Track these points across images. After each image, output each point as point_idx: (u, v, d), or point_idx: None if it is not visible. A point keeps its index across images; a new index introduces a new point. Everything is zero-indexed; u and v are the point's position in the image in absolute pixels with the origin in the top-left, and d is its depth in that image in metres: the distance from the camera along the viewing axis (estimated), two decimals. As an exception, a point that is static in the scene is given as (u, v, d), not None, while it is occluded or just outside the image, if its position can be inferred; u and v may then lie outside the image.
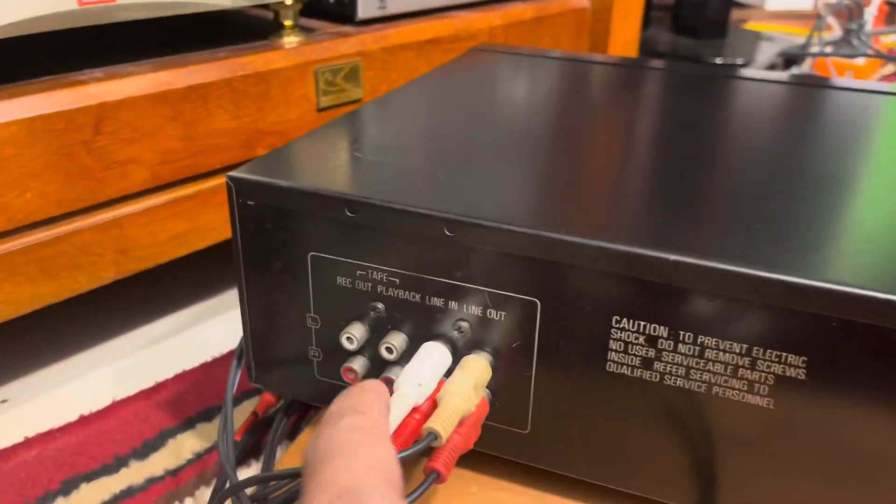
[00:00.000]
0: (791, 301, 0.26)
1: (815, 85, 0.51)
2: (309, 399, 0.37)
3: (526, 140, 0.39)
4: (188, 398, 0.46)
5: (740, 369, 0.28)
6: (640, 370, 0.30)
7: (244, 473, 0.40)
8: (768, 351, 0.27)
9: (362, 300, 0.33)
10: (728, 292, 0.27)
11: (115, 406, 0.45)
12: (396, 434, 0.29)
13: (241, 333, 0.38)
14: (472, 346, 0.32)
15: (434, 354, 0.31)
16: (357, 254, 0.32)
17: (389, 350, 0.33)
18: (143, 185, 0.43)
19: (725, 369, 0.28)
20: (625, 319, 0.29)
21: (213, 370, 0.49)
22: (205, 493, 0.39)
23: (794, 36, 1.21)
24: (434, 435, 0.28)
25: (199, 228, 0.46)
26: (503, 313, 0.31)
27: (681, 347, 0.29)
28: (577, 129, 0.42)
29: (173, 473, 0.40)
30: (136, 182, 0.43)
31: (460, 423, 0.30)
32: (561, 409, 0.32)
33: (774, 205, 0.32)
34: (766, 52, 1.07)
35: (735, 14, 1.28)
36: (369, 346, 0.34)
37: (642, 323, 0.29)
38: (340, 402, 0.26)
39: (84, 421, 0.44)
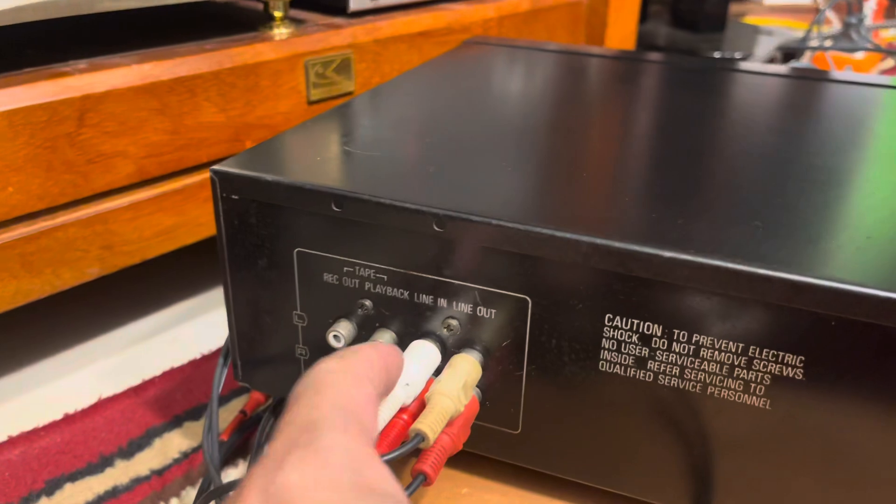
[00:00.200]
0: (789, 299, 0.26)
1: (814, 78, 0.50)
2: (296, 398, 0.36)
3: (519, 134, 0.38)
4: (176, 396, 0.46)
5: (736, 369, 0.27)
6: (633, 369, 0.29)
7: (232, 473, 0.39)
8: (765, 350, 0.27)
9: (350, 297, 0.32)
10: (724, 290, 0.26)
11: (102, 404, 0.45)
12: (383, 435, 0.28)
13: (227, 331, 0.38)
14: (462, 344, 0.31)
15: (422, 353, 0.31)
16: (344, 250, 0.32)
17: (377, 348, 0.32)
18: (129, 180, 0.42)
19: (721, 369, 0.28)
20: (618, 317, 0.28)
21: (202, 367, 0.48)
22: (191, 493, 0.39)
23: (793, 30, 1.20)
24: (421, 436, 0.27)
25: (186, 223, 0.46)
26: (493, 311, 0.30)
27: (675, 346, 0.28)
28: (572, 123, 0.41)
29: (159, 473, 0.40)
30: (121, 176, 0.42)
31: (449, 424, 0.29)
32: (553, 409, 0.31)
33: (772, 199, 0.31)
34: (765, 46, 1.06)
35: (734, 8, 1.27)
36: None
37: (636, 321, 0.28)
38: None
39: (69, 419, 0.44)
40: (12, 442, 0.42)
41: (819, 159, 0.36)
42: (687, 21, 1.11)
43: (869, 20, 1.14)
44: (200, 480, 0.38)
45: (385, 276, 0.31)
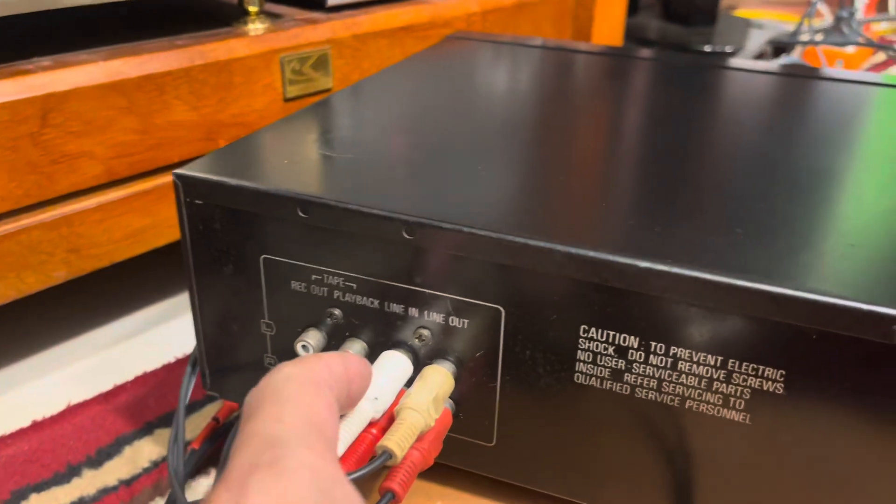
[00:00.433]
0: (769, 311, 0.25)
1: (803, 75, 0.49)
2: (266, 408, 0.35)
3: (499, 136, 0.37)
4: (148, 402, 0.44)
5: (715, 382, 0.26)
6: (609, 382, 0.28)
7: (203, 482, 0.38)
8: (744, 364, 0.26)
9: (318, 306, 0.31)
10: (702, 301, 0.25)
11: (71, 410, 0.44)
12: (350, 451, 0.27)
13: (196, 338, 0.36)
14: (434, 355, 0.30)
15: (392, 365, 0.30)
16: (312, 257, 0.30)
17: (347, 359, 0.31)
18: (96, 181, 0.41)
19: (699, 382, 0.27)
20: (593, 329, 0.27)
21: (176, 372, 0.47)
22: (159, 503, 0.37)
23: (785, 23, 1.19)
24: (388, 454, 0.26)
25: (157, 225, 0.44)
26: (466, 321, 0.29)
27: (652, 359, 0.27)
28: (554, 124, 0.40)
29: (127, 483, 0.39)
30: (87, 177, 0.40)
31: (419, 439, 0.28)
32: (527, 421, 0.30)
33: (755, 205, 0.30)
34: (756, 40, 1.05)
35: (725, 1, 1.26)
36: (327, 354, 0.32)
37: (611, 333, 0.27)
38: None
39: (37, 427, 0.42)
40: (-23, 451, 0.40)
41: (805, 161, 0.35)
42: (678, 14, 1.10)
43: (860, 14, 1.13)
44: (168, 492, 0.37)
45: (354, 285, 0.30)
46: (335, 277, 0.30)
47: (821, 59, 1.04)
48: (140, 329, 0.51)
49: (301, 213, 0.29)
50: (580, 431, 0.29)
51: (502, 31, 0.63)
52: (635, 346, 0.27)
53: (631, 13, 1.11)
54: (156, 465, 0.40)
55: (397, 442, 0.26)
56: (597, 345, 0.27)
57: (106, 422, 0.43)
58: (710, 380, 0.26)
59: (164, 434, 0.42)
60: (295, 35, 0.48)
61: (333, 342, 0.32)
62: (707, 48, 1.00)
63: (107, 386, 0.45)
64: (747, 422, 0.27)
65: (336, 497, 0.19)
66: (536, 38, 0.57)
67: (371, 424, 0.28)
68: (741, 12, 1.29)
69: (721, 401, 0.27)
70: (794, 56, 1.06)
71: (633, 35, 1.06)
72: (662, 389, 0.27)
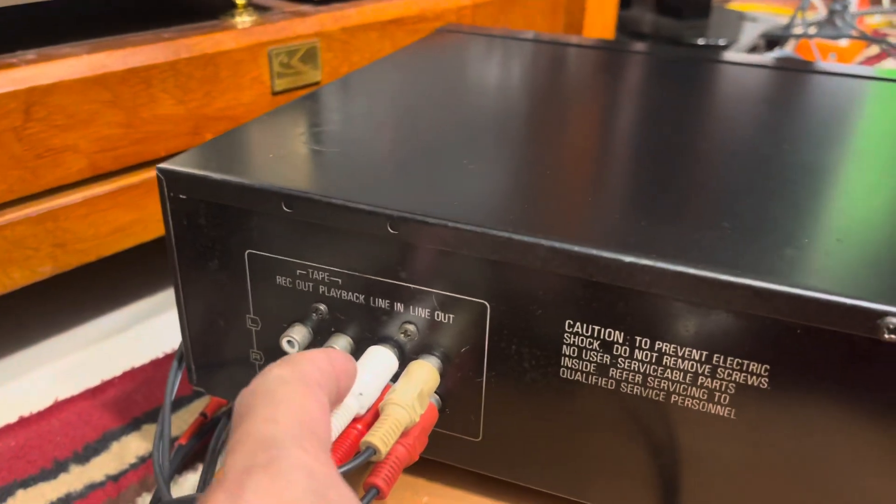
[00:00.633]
0: (753, 306, 0.24)
1: (795, 69, 0.49)
2: (253, 403, 0.35)
3: (488, 130, 0.37)
4: (136, 397, 0.44)
5: (700, 377, 0.26)
6: (595, 377, 0.28)
7: (190, 478, 0.38)
8: (729, 358, 0.26)
9: (304, 301, 0.31)
10: (686, 296, 0.25)
11: (58, 406, 0.43)
12: (335, 447, 0.27)
13: (182, 333, 0.36)
14: (420, 350, 0.30)
15: (377, 360, 0.29)
16: (296, 252, 0.30)
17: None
18: (81, 175, 0.41)
19: (684, 377, 0.27)
20: (578, 323, 0.27)
21: (163, 367, 0.47)
22: (146, 499, 0.37)
23: (778, 16, 1.18)
24: (373, 449, 0.26)
25: (144, 219, 0.44)
26: (451, 316, 0.29)
27: (637, 354, 0.27)
28: (543, 118, 0.40)
29: (115, 479, 0.39)
30: (72, 171, 0.40)
31: (404, 434, 0.28)
32: (514, 416, 0.30)
33: (744, 200, 0.30)
34: (749, 33, 1.05)
35: (718, -7, 1.25)
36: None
37: (596, 327, 0.27)
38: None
39: (24, 422, 0.42)
40: (-37, 447, 0.40)
41: (796, 156, 0.34)
42: (671, 7, 1.10)
43: (854, 7, 1.12)
44: (155, 488, 0.37)
45: (340, 280, 0.30)
46: (320, 272, 0.30)
47: (814, 53, 1.04)
48: (128, 324, 0.50)
49: (285, 208, 0.29)
50: (566, 426, 0.29)
51: (493, 24, 0.63)
52: (620, 340, 0.27)
53: (624, 6, 1.10)
54: (143, 460, 0.40)
55: (381, 437, 0.26)
56: (582, 339, 0.27)
57: (93, 417, 0.43)
58: (695, 374, 0.26)
59: (151, 429, 0.42)
60: (283, 28, 0.48)
61: (319, 337, 0.31)
62: (700, 41, 0.99)
63: (94, 381, 0.45)
64: (732, 416, 0.27)
65: (331, 498, 0.19)
66: (528, 31, 0.57)
67: (356, 420, 0.28)
68: (735, 5, 1.29)
69: (706, 395, 0.27)
70: (787, 50, 1.06)
71: (627, 28, 1.05)
72: (648, 384, 0.27)
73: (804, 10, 1.04)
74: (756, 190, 0.31)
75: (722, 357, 0.26)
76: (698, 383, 0.26)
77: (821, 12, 1.18)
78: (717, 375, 0.26)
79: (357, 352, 0.31)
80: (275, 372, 0.23)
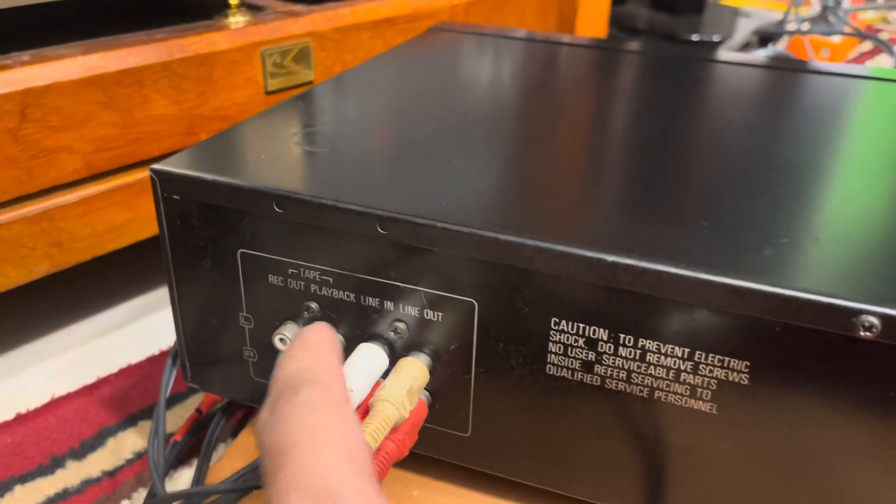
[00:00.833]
0: (733, 305, 0.25)
1: (787, 68, 0.50)
2: (246, 400, 0.36)
3: (479, 130, 0.37)
4: (132, 394, 0.45)
5: (682, 374, 0.27)
6: (580, 373, 0.28)
7: (186, 473, 0.39)
8: (710, 355, 0.26)
9: (295, 300, 0.32)
10: (668, 295, 0.26)
11: (54, 403, 0.44)
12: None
13: (177, 331, 0.37)
14: (410, 347, 0.31)
15: (367, 357, 0.30)
16: (288, 251, 0.31)
17: (324, 352, 0.31)
18: (76, 175, 0.41)
19: (667, 374, 0.27)
20: (563, 321, 0.28)
21: (159, 364, 0.47)
22: (142, 494, 0.38)
23: (772, 11, 1.19)
24: (362, 445, 0.26)
25: (140, 218, 0.44)
26: (440, 314, 0.30)
27: (621, 351, 0.27)
28: (533, 118, 0.40)
29: (110, 475, 0.39)
30: (67, 171, 0.41)
31: (394, 430, 0.28)
32: (502, 412, 0.31)
33: (725, 199, 0.30)
34: (743, 29, 1.05)
35: (713, -11, 1.25)
36: (305, 347, 0.32)
37: (581, 325, 0.28)
38: (289, 366, 0.23)
39: (21, 419, 0.43)
40: (-39, 444, 0.41)
41: (780, 155, 0.35)
42: (665, 3, 1.10)
43: (847, 2, 1.13)
44: (150, 484, 0.38)
45: (331, 279, 0.31)
46: (311, 271, 0.31)
47: (807, 49, 1.05)
48: (124, 322, 0.51)
49: (276, 209, 0.30)
50: (553, 422, 0.30)
51: (486, 22, 0.64)
52: (605, 338, 0.27)
53: (618, 2, 1.11)
54: (139, 456, 0.40)
55: (371, 433, 0.27)
56: (567, 337, 0.28)
57: (89, 414, 0.43)
58: (678, 371, 0.27)
59: (146, 425, 0.42)
60: (276, 28, 0.48)
61: (311, 335, 0.32)
62: (695, 37, 1.00)
63: (91, 379, 0.46)
64: (714, 412, 0.27)
65: None
66: (520, 29, 0.57)
67: (346, 416, 0.29)
68: (729, 0, 1.29)
69: (688, 391, 0.27)
70: (779, 47, 1.06)
71: (621, 24, 1.06)
72: (632, 381, 0.28)
73: (798, 6, 1.05)
74: (738, 189, 0.31)
75: (703, 354, 0.26)
76: (681, 380, 0.27)
77: (814, 8, 1.18)
78: (699, 372, 0.27)
79: (348, 349, 0.31)
80: (302, 396, 0.21)
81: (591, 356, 0.28)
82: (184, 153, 0.33)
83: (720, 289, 0.25)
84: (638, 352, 0.27)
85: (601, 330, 0.27)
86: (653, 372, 0.27)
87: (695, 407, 0.27)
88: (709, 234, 0.28)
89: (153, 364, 0.47)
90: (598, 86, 0.46)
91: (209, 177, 0.31)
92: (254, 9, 0.51)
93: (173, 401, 0.44)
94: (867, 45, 1.16)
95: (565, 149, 0.36)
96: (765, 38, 1.07)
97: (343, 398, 0.22)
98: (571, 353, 0.28)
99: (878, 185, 0.32)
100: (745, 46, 1.04)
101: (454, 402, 0.31)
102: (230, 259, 0.32)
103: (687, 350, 0.27)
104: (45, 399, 0.44)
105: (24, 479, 0.39)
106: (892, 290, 0.24)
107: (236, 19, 0.48)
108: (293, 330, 0.32)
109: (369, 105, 0.40)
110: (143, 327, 0.50)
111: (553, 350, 0.28)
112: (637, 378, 0.28)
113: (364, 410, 0.29)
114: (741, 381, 0.26)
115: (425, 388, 0.31)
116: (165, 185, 0.31)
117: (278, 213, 0.30)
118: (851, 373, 0.25)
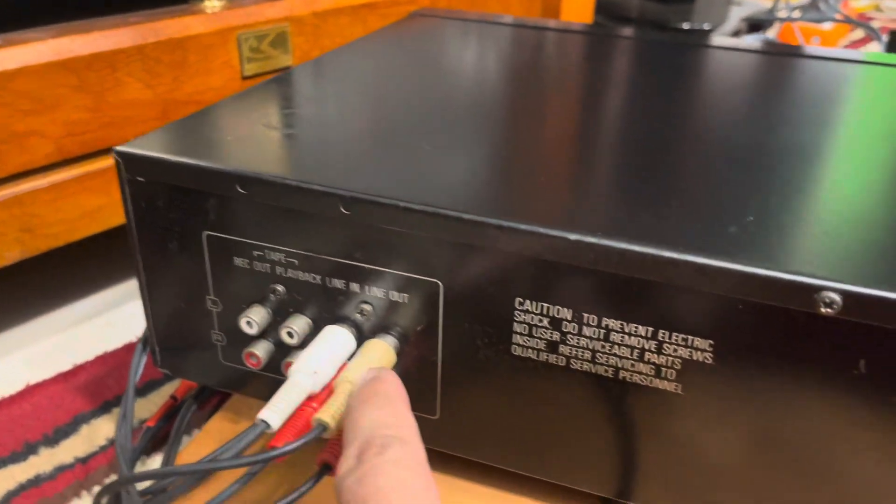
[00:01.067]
0: (696, 283, 0.25)
1: (776, 53, 0.49)
2: (217, 385, 0.35)
3: (452, 114, 0.37)
4: (108, 381, 0.45)
5: (646, 353, 0.27)
6: (545, 354, 0.28)
7: (158, 459, 0.39)
8: (674, 334, 0.26)
9: (262, 282, 0.31)
10: (631, 273, 0.25)
11: (29, 391, 0.44)
12: (289, 425, 0.27)
13: (148, 316, 0.37)
14: (378, 329, 0.31)
15: (333, 339, 0.30)
16: (253, 233, 0.30)
17: (290, 334, 0.31)
18: (48, 160, 0.41)
19: (632, 353, 0.27)
20: (528, 301, 0.27)
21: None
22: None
23: None
24: (323, 426, 0.26)
25: (113, 204, 0.44)
26: (406, 296, 0.29)
27: (585, 330, 0.27)
28: (509, 103, 0.40)
29: (83, 461, 0.39)
30: (38, 156, 0.40)
31: (358, 412, 0.28)
32: (469, 393, 0.30)
33: (698, 180, 0.30)
34: (735, 17, 1.05)
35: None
36: (272, 330, 0.32)
37: (545, 305, 0.27)
38: (371, 416, 0.24)
39: (-5, 407, 0.42)
40: (-66, 431, 0.41)
41: (753, 137, 0.35)
42: (656, -9, 1.09)
43: (839, -10, 1.12)
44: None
45: (296, 261, 0.30)
46: (277, 253, 0.30)
47: (797, 37, 1.04)
48: (101, 310, 0.51)
49: (240, 189, 0.29)
50: (521, 403, 0.30)
51: (469, 8, 0.63)
52: (569, 317, 0.27)
53: (609, -10, 1.10)
54: (112, 442, 0.40)
55: (332, 414, 0.26)
56: (532, 317, 0.28)
57: (64, 401, 0.43)
58: (642, 350, 0.27)
59: (122, 412, 0.42)
60: (252, 12, 0.48)
61: (278, 318, 0.32)
62: (685, 26, 0.99)
63: (66, 366, 0.45)
64: (679, 392, 0.27)
65: None
66: (504, 15, 0.57)
67: (311, 398, 0.28)
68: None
69: (653, 371, 0.27)
70: (768, 34, 1.06)
71: (611, 12, 1.05)
72: (596, 360, 0.28)
73: (788, -6, 1.04)
74: (710, 170, 0.31)
75: (667, 333, 0.26)
76: (645, 359, 0.27)
77: (806, -4, 1.17)
78: (664, 351, 0.27)
79: (316, 331, 0.31)
80: (393, 453, 0.22)
81: (556, 336, 0.28)
82: (149, 135, 0.32)
83: (683, 267, 0.25)
84: (602, 331, 0.27)
85: (565, 309, 0.27)
86: (617, 351, 0.27)
87: (660, 387, 0.27)
88: (676, 214, 0.27)
89: (129, 352, 0.47)
90: (578, 71, 0.46)
91: (173, 158, 0.30)
92: (231, -7, 0.50)
93: (149, 388, 0.44)
94: (859, 34, 1.16)
95: (537, 132, 0.36)
96: (754, 25, 1.07)
97: (425, 460, 0.23)
98: (536, 333, 0.28)
99: (846, 166, 0.32)
100: (735, 34, 1.04)
101: (422, 384, 0.31)
102: (196, 242, 0.32)
103: (651, 329, 0.26)
104: (20, 387, 0.44)
105: (-4, 465, 0.39)
106: (854, 266, 0.24)
107: (212, 3, 0.48)
108: (260, 313, 0.32)
109: (343, 89, 0.40)
110: (120, 315, 0.50)
111: (518, 330, 0.28)
112: (602, 358, 0.27)
113: (329, 392, 0.29)
114: (705, 360, 0.26)
115: (392, 371, 0.31)
116: (130, 166, 0.31)
117: (242, 195, 0.30)
118: (815, 351, 0.25)
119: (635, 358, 0.27)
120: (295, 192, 0.29)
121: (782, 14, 1.06)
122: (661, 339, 0.26)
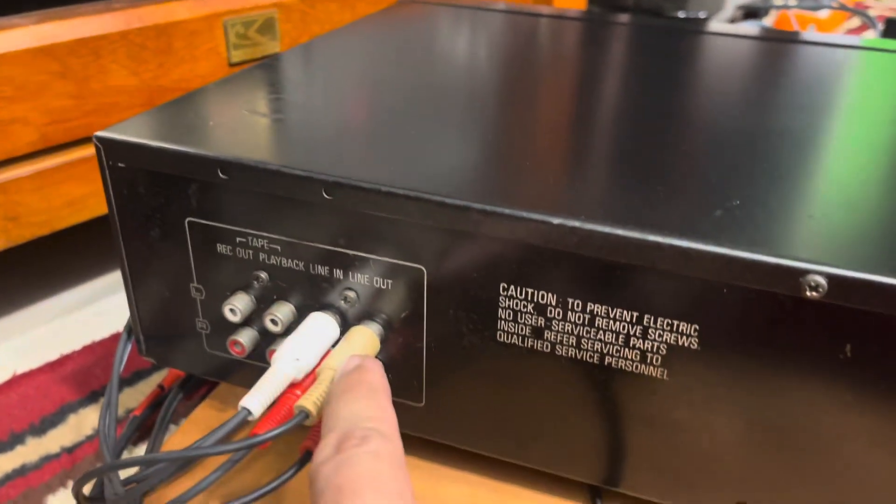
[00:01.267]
0: (680, 266, 0.25)
1: (772, 39, 0.49)
2: (202, 373, 0.35)
3: (438, 100, 0.37)
4: (95, 371, 0.44)
5: (632, 338, 0.27)
6: (531, 339, 0.28)
7: (143, 449, 0.38)
8: (659, 319, 0.26)
9: (245, 269, 0.31)
10: (616, 258, 0.25)
11: (16, 380, 0.43)
12: (273, 413, 0.27)
13: (133, 304, 0.36)
14: (363, 316, 0.30)
15: (317, 326, 0.29)
16: (235, 219, 0.30)
17: (274, 322, 0.31)
18: (32, 147, 0.40)
19: (617, 339, 0.27)
20: (512, 287, 0.27)
21: (124, 341, 0.47)
22: (101, 470, 0.38)
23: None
24: (305, 413, 0.26)
25: (99, 192, 0.44)
26: (390, 282, 0.29)
27: (570, 316, 0.27)
28: (496, 88, 0.39)
29: (69, 451, 0.39)
30: (21, 144, 0.40)
31: (342, 399, 0.28)
32: (455, 380, 0.30)
33: (685, 164, 0.30)
34: (731, 5, 1.04)
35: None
36: (256, 318, 0.32)
37: (530, 290, 0.27)
38: (354, 407, 0.24)
39: (-19, 397, 0.42)
40: (-81, 421, 0.40)
41: (742, 122, 0.34)
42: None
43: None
44: (107, 458, 0.37)
45: (279, 247, 0.30)
46: (260, 240, 0.30)
47: (793, 25, 1.04)
48: (89, 300, 0.50)
49: (221, 175, 0.29)
50: (506, 390, 0.29)
51: (460, -6, 0.62)
52: (553, 303, 0.27)
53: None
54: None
55: (314, 401, 0.26)
56: (516, 303, 0.27)
57: (51, 391, 0.43)
58: (627, 336, 0.26)
59: (109, 402, 0.42)
60: (239, -2, 0.47)
61: (262, 305, 0.31)
62: (681, 14, 0.99)
63: (54, 356, 0.45)
64: (665, 377, 0.27)
65: None
66: (495, 2, 0.56)
67: (294, 385, 0.28)
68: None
69: (639, 357, 0.27)
70: (763, 22, 1.05)
71: (606, 0, 1.04)
72: (582, 346, 0.27)
73: (784, -18, 1.03)
74: (698, 155, 0.31)
75: (652, 318, 0.26)
76: (630, 344, 0.27)
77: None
78: (649, 336, 0.26)
79: (300, 318, 0.31)
80: (373, 445, 0.22)
81: (541, 322, 0.27)
82: (130, 120, 0.32)
83: (668, 251, 0.24)
84: (587, 316, 0.27)
85: (550, 295, 0.27)
86: (602, 337, 0.27)
87: (645, 372, 0.27)
88: (662, 198, 0.27)
89: (117, 341, 0.47)
90: (564, 56, 0.45)
91: (154, 143, 0.30)
92: (217, -21, 0.50)
93: (137, 378, 0.44)
94: (855, 22, 1.15)
95: (524, 118, 0.35)
96: (750, 13, 1.06)
97: (403, 456, 0.23)
98: (521, 318, 0.28)
99: (835, 150, 0.32)
100: (731, 23, 1.03)
101: (407, 371, 0.31)
102: (178, 228, 0.31)
103: (636, 314, 0.26)
104: (7, 376, 0.44)
105: (-18, 455, 0.39)
106: (840, 250, 0.24)
107: (198, -11, 0.47)
108: (243, 300, 0.31)
109: (328, 74, 0.39)
110: (108, 305, 0.50)
111: (503, 316, 0.28)
112: (587, 343, 0.27)
113: (312, 379, 0.28)
114: (691, 346, 0.26)
115: (377, 358, 0.30)
116: (111, 152, 0.31)
117: (224, 180, 0.29)
118: (801, 335, 0.24)
119: (621, 343, 0.27)
120: (276, 178, 0.28)
121: (778, 2, 1.05)
122: (646, 324, 0.26)
